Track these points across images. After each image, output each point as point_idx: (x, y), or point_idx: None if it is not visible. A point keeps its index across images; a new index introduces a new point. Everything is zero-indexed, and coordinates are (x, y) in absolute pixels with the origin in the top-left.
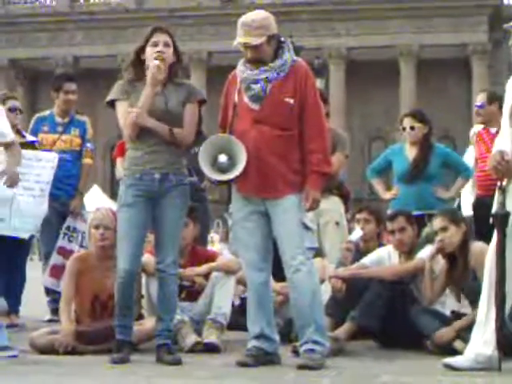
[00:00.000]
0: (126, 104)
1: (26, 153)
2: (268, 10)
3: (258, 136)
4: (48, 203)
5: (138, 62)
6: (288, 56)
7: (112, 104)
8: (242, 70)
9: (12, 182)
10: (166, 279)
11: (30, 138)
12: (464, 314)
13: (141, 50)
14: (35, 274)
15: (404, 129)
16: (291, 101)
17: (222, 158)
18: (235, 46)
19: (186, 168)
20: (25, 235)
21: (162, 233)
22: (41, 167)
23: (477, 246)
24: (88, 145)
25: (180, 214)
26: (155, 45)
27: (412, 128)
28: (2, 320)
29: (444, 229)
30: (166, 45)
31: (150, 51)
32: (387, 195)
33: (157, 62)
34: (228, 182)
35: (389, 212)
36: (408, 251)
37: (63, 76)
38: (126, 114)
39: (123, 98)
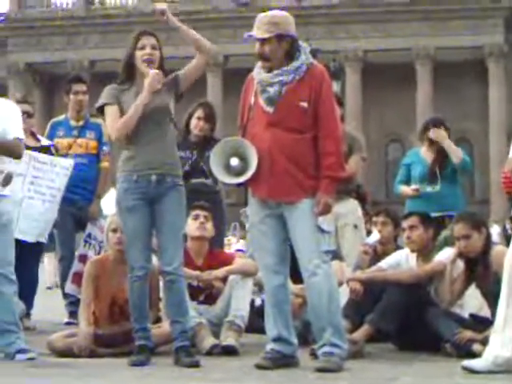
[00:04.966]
0: (115, 108)
1: (42, 157)
2: None
3: (272, 139)
4: (64, 207)
5: (128, 67)
6: (304, 59)
7: (102, 109)
8: (258, 72)
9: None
10: (176, 281)
11: (44, 142)
12: (483, 317)
13: (131, 55)
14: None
15: (430, 140)
16: (305, 104)
17: (234, 162)
18: (245, 38)
19: (180, 169)
20: (31, 239)
21: (165, 236)
22: (55, 173)
23: (498, 249)
24: (105, 148)
25: (180, 216)
26: (142, 47)
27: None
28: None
29: (466, 236)
30: (154, 48)
31: (138, 54)
32: (411, 191)
33: (156, 71)
34: (244, 185)
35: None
36: (419, 251)
37: (72, 77)
38: (115, 118)
39: (112, 103)
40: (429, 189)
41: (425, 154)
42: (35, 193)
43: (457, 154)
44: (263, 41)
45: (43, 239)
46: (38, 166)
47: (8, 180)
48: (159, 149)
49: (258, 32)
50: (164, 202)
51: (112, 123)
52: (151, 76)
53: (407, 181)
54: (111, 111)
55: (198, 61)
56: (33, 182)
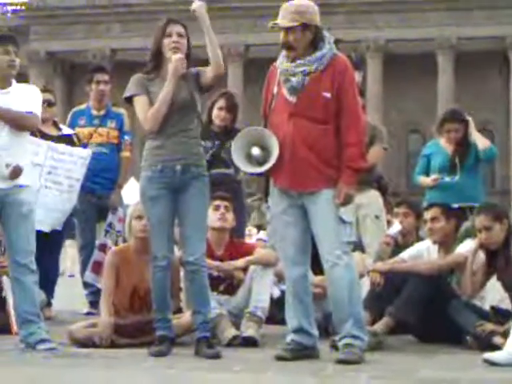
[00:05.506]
0: (145, 99)
1: (60, 147)
2: None
3: (294, 129)
4: (84, 197)
5: (157, 55)
6: (328, 49)
7: (130, 99)
8: (281, 62)
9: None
10: (198, 272)
11: (66, 130)
12: (504, 310)
13: (159, 43)
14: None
15: (448, 131)
16: (328, 95)
17: (255, 151)
18: (270, 27)
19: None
20: (46, 229)
21: (189, 226)
22: (73, 163)
23: None
24: (126, 137)
25: (204, 206)
26: (170, 35)
27: (457, 131)
28: (41, 313)
29: (488, 228)
30: (180, 35)
31: (166, 42)
32: (430, 181)
33: (179, 56)
34: (265, 175)
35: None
36: (440, 242)
37: (94, 67)
38: (145, 109)
39: (141, 93)
40: (448, 179)
41: (445, 144)
42: (53, 183)
43: (483, 141)
44: (288, 30)
45: (58, 227)
46: (56, 157)
47: (17, 173)
48: (184, 139)
49: (282, 21)
50: (188, 191)
51: (143, 114)
52: (175, 60)
53: (427, 172)
54: (141, 102)
55: (209, 74)
56: (50, 171)
